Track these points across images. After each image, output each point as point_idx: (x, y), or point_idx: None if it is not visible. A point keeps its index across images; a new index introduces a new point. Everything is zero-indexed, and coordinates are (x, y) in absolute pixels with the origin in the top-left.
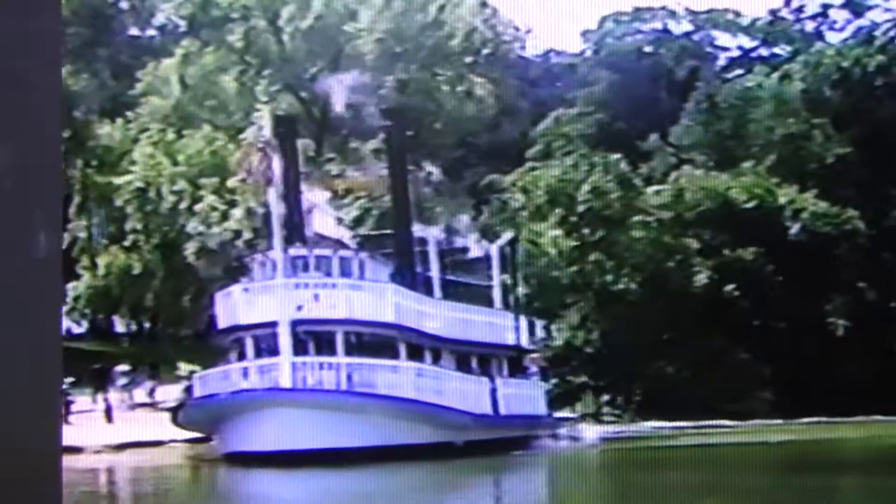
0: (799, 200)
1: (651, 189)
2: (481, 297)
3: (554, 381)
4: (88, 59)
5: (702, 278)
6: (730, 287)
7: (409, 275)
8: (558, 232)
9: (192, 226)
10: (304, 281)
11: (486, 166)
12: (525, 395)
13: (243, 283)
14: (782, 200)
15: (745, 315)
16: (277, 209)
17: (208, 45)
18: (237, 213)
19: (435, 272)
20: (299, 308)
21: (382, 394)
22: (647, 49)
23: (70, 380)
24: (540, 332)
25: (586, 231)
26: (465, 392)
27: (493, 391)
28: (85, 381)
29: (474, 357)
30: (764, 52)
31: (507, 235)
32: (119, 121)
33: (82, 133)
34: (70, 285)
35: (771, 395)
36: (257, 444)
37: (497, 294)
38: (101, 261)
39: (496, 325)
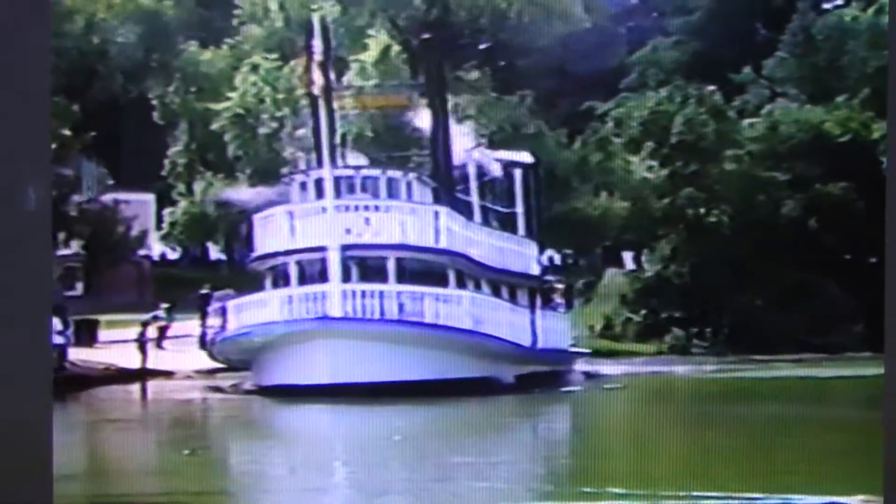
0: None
1: (745, 122)
2: (507, 224)
3: (643, 312)
4: None
5: (793, 212)
6: (820, 221)
7: (448, 199)
8: (652, 163)
9: (290, 151)
10: (355, 203)
11: (581, 96)
12: (557, 328)
13: (285, 206)
14: (876, 135)
15: (836, 249)
16: (326, 125)
17: None
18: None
19: (475, 197)
20: (347, 232)
21: (441, 324)
22: None
23: (165, 305)
24: (558, 262)
25: (679, 163)
26: (514, 324)
27: (533, 323)
28: (181, 307)
29: (505, 287)
30: None
31: (528, 158)
32: (224, 47)
33: (181, 59)
34: (166, 210)
35: (864, 330)
36: (305, 377)
37: (521, 221)
38: (197, 187)
39: (523, 255)
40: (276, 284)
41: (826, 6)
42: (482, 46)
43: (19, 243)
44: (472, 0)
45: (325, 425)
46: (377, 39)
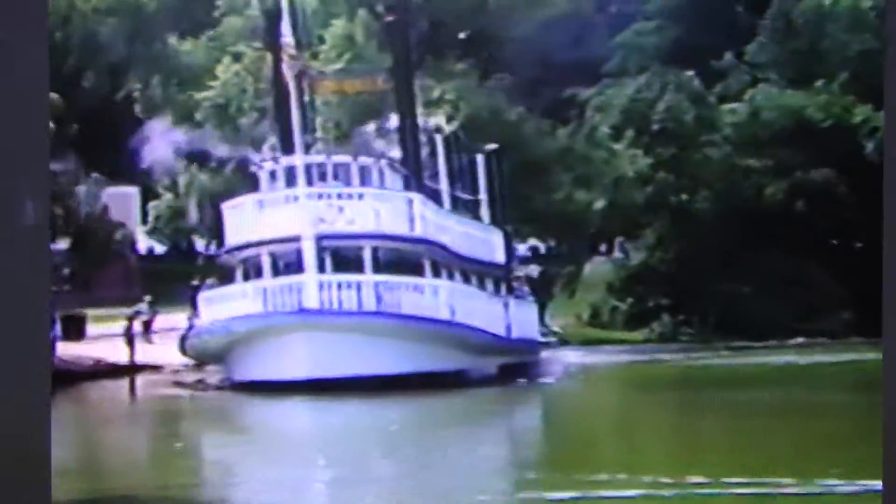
0: (875, 118)
1: (726, 107)
2: (470, 212)
3: (630, 300)
4: None
5: (777, 198)
6: (805, 206)
7: (418, 186)
8: (635, 151)
9: (273, 141)
10: (328, 191)
11: (563, 83)
12: (527, 317)
13: (255, 195)
14: (858, 119)
15: (822, 235)
16: (297, 111)
17: None
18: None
19: (444, 184)
20: (321, 221)
21: (419, 315)
22: None
23: (147, 298)
24: (524, 251)
25: (660, 150)
26: (489, 313)
27: (506, 312)
28: (169, 300)
29: (474, 275)
30: None
31: (492, 145)
32: (202, 38)
33: (162, 52)
34: (151, 204)
35: (851, 316)
36: (284, 371)
37: (484, 207)
38: (181, 180)
39: (489, 243)
40: (247, 276)
41: None
42: (462, 35)
43: (18, 258)
44: None
45: (306, 420)
46: (351, 24)
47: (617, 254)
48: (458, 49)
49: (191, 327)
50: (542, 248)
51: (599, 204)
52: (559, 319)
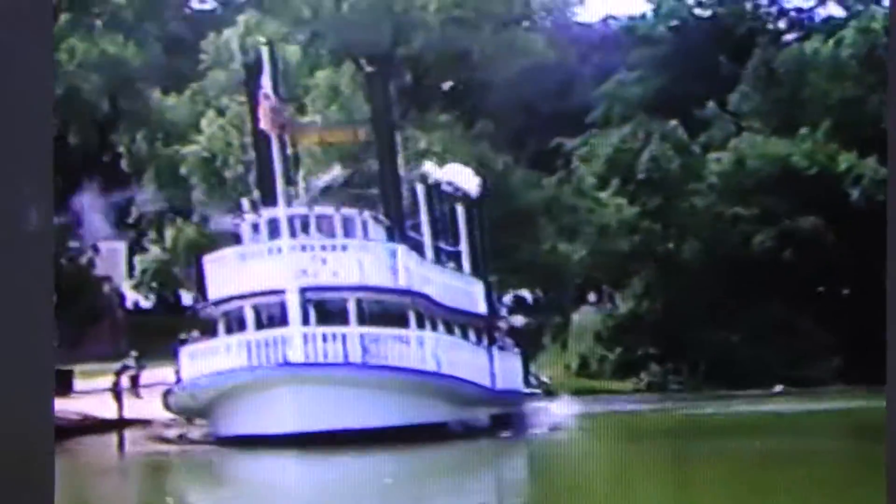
0: (859, 166)
1: (711, 156)
2: (452, 262)
3: (618, 350)
4: (143, 34)
5: (763, 246)
6: (791, 254)
7: (400, 237)
8: (620, 201)
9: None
10: (312, 242)
11: (549, 134)
12: (511, 368)
13: (237, 247)
14: (842, 167)
15: (809, 282)
16: (279, 163)
17: (269, 14)
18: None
19: (427, 234)
20: (304, 273)
21: (406, 367)
22: (706, 12)
23: (134, 354)
24: (508, 301)
25: (646, 199)
26: (475, 364)
27: (491, 363)
28: (156, 354)
29: (457, 326)
30: (821, 11)
31: (473, 185)
32: (186, 93)
33: (146, 107)
34: (137, 259)
35: (839, 363)
36: (270, 425)
37: (465, 258)
38: (168, 233)
39: (470, 293)
40: (230, 329)
41: (787, 38)
42: (445, 86)
43: (21, 262)
44: (436, 40)
45: (299, 474)
46: (335, 75)
47: (605, 303)
48: (442, 100)
49: (180, 383)
50: (528, 297)
51: (581, 253)
52: (548, 370)
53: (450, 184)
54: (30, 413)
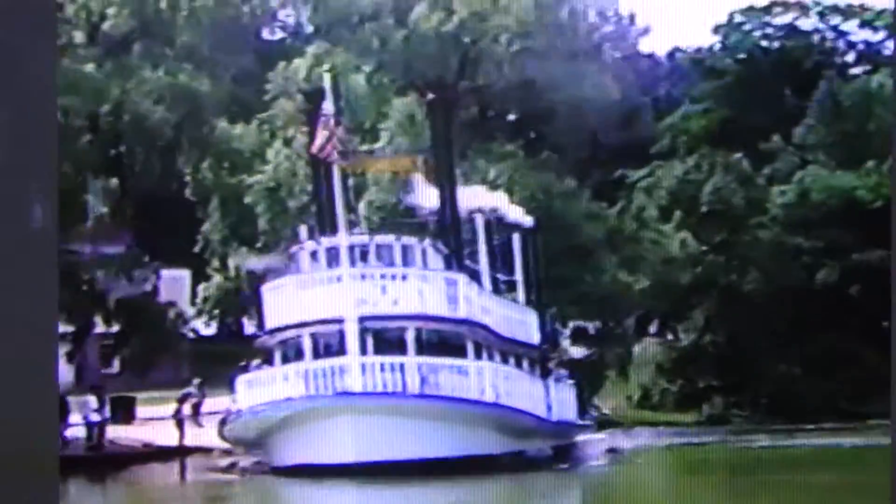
0: None
1: (775, 189)
2: (508, 292)
3: (680, 382)
4: (214, 65)
5: (829, 279)
6: (857, 288)
7: (458, 266)
8: (684, 234)
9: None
10: (372, 271)
11: (614, 165)
12: (567, 399)
13: (296, 276)
14: None
15: (873, 316)
16: (340, 191)
17: (338, 45)
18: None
19: (484, 265)
20: (363, 302)
21: (464, 398)
22: (774, 45)
23: (196, 381)
24: (568, 332)
25: (709, 232)
26: (532, 395)
27: (547, 394)
28: (217, 382)
29: (512, 357)
30: (889, 45)
31: (529, 222)
32: (253, 122)
33: (213, 135)
34: (200, 286)
35: None
36: (328, 455)
37: (520, 288)
38: (231, 262)
39: (525, 323)
40: (286, 359)
41: (853, 71)
42: (511, 118)
43: (26, 260)
44: (504, 71)
45: None
46: (410, 105)
47: (667, 335)
48: (508, 130)
49: (236, 412)
50: (590, 328)
51: (643, 284)
52: (609, 401)
53: (506, 214)
54: (34, 409)
